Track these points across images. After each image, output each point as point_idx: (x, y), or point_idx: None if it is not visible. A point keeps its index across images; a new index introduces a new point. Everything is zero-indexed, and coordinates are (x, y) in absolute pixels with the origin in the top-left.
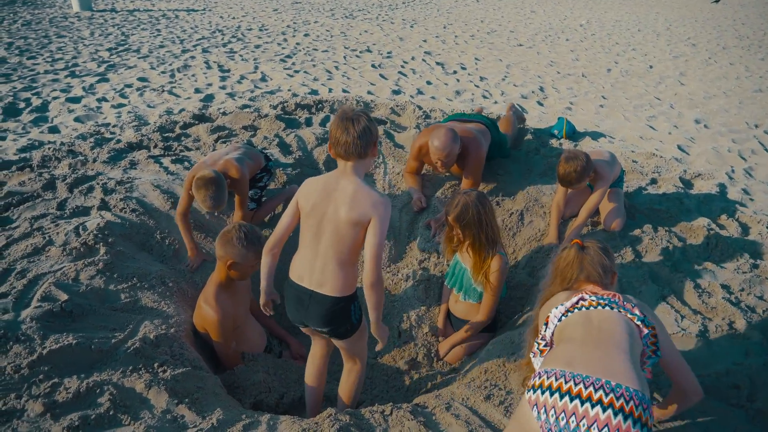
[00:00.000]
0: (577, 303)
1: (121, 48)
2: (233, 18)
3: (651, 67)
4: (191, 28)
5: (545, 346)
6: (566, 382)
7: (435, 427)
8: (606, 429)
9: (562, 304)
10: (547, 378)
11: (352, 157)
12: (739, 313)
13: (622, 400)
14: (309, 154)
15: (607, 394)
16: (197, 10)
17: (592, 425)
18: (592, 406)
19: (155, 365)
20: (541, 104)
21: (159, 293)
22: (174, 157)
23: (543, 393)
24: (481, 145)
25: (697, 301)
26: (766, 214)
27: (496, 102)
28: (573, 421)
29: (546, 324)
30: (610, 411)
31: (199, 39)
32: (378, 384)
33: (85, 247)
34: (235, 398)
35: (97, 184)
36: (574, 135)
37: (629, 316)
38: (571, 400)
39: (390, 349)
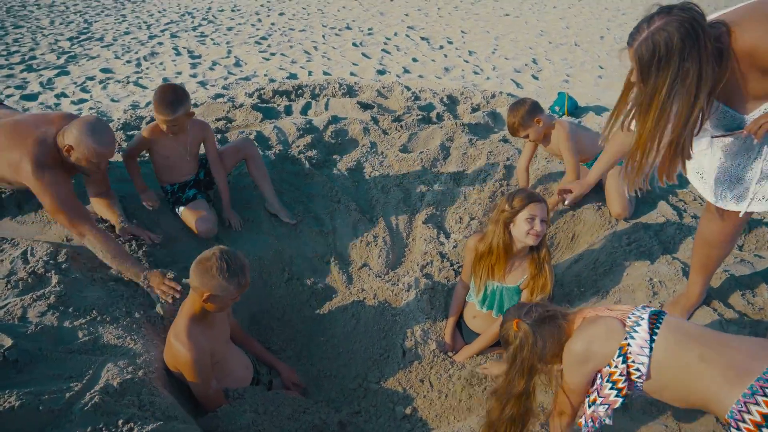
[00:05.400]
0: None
1: (83, 37)
2: None
3: None
4: (158, 12)
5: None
6: None
7: None
8: None
9: (633, 333)
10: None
11: None
12: None
13: None
14: (290, 147)
15: None
16: None
17: None
18: None
19: (119, 423)
20: (536, 78)
21: (124, 327)
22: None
23: None
24: None
25: (741, 301)
26: None
27: (488, 78)
28: None
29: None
30: None
31: (167, 23)
32: (383, 412)
33: (33, 278)
34: None
35: None
36: (576, 110)
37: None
38: None
39: (395, 371)
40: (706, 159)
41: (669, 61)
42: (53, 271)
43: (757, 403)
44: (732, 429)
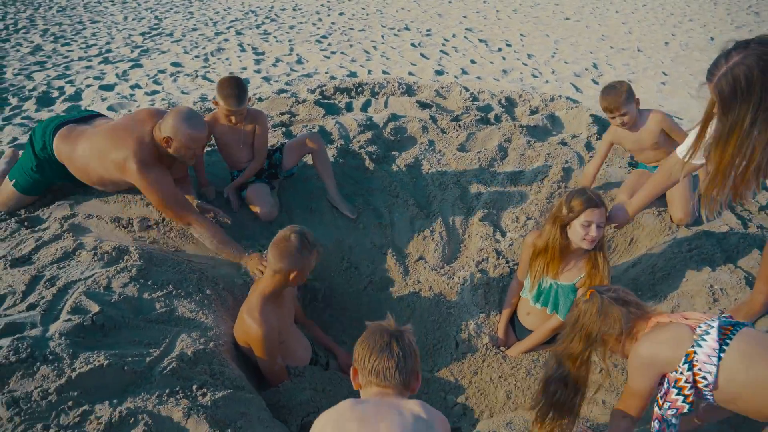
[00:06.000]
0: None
1: (154, 32)
2: None
3: (712, 39)
4: (224, 10)
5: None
6: None
7: None
8: None
9: (701, 342)
10: None
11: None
12: None
13: None
14: (351, 142)
15: None
16: None
17: None
18: None
19: (194, 387)
20: (596, 83)
21: (196, 302)
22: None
23: None
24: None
25: None
26: None
27: (547, 81)
28: None
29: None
30: None
31: (232, 21)
32: (434, 401)
33: (117, 251)
34: (280, 419)
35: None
36: None
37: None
38: None
39: (447, 362)
40: None
41: (750, 94)
42: (134, 247)
43: None
44: None
